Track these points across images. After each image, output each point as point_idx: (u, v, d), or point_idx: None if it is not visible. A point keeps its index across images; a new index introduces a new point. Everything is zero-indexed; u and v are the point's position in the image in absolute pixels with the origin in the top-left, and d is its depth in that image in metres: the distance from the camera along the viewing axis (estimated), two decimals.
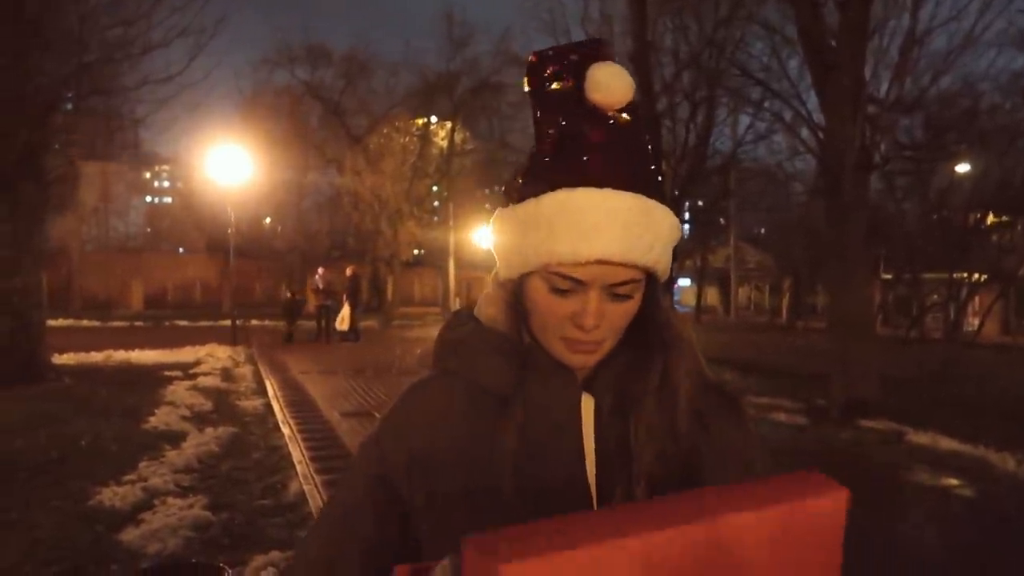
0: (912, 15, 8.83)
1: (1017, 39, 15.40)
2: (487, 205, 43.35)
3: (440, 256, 34.10)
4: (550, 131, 0.86)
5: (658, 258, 0.86)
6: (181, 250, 46.18)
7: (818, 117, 9.65)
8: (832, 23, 9.18)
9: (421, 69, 32.66)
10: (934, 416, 8.58)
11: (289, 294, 19.32)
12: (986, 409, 9.33)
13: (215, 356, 14.38)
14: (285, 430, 7.81)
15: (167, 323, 25.17)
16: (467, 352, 0.94)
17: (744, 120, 17.72)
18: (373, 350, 16.64)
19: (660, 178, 0.92)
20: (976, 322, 19.67)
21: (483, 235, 36.54)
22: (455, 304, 33.42)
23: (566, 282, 0.84)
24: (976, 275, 18.35)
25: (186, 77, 12.33)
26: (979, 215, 18.90)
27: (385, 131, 31.75)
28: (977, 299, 19.85)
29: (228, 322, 18.01)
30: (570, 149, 0.85)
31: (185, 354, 14.54)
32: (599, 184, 0.82)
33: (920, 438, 7.87)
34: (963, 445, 7.52)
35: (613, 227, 0.82)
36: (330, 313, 18.83)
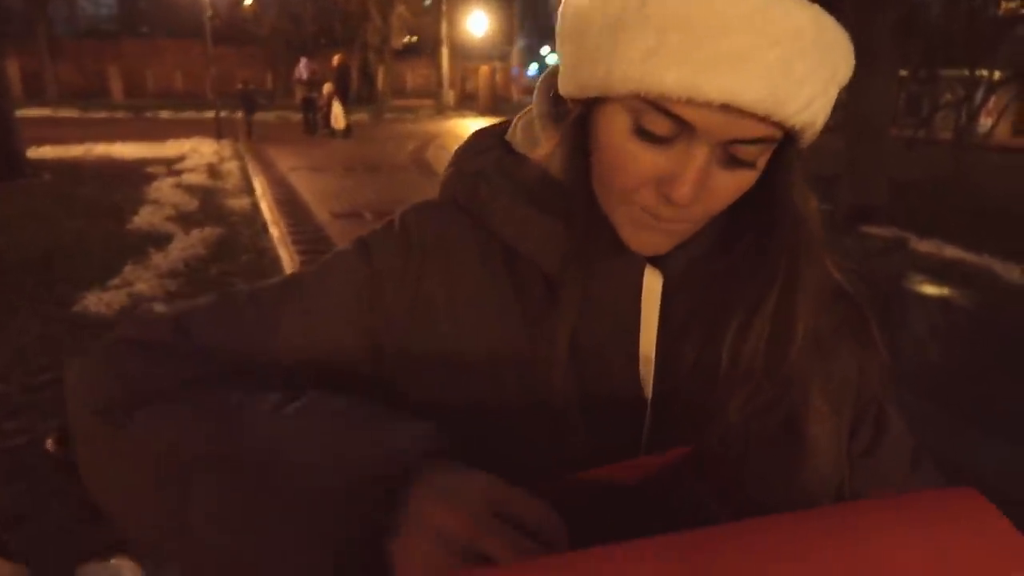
0: None
1: None
2: None
3: (434, 44, 32.25)
4: None
5: (815, 117, 0.56)
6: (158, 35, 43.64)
7: None
8: None
9: None
10: (939, 223, 8.41)
11: (241, 85, 18.14)
12: (991, 216, 9.13)
13: (200, 151, 13.86)
14: (274, 231, 7.59)
15: (148, 114, 24.20)
16: (494, 197, 0.66)
17: None
18: (364, 146, 16.12)
19: None
20: (989, 123, 19.00)
21: (477, 21, 34.54)
22: (449, 97, 32.23)
23: (667, 123, 0.55)
24: (997, 73, 17.46)
25: None
26: (1012, 5, 17.61)
27: None
28: (993, 99, 19.04)
29: (212, 114, 17.24)
30: None
31: (168, 148, 13.99)
32: None
33: (924, 246, 7.74)
34: (967, 253, 7.40)
35: (765, 55, 0.51)
36: (316, 105, 18.05)
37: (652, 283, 0.65)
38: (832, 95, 0.58)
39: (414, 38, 38.35)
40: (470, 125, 23.75)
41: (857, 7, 8.59)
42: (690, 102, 0.52)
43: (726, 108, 0.52)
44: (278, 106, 27.87)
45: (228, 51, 30.88)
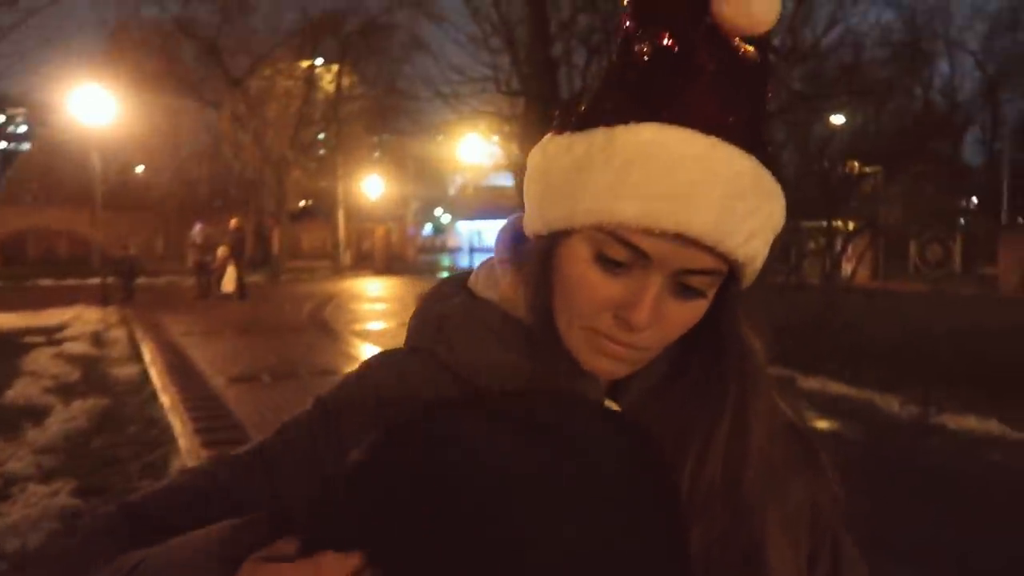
0: None
1: None
2: (377, 153, 42.25)
3: (329, 207, 32.92)
4: (643, 45, 0.62)
5: (756, 252, 0.63)
6: (43, 202, 42.58)
7: None
8: None
9: (305, 6, 30.92)
10: (820, 361, 8.92)
11: (123, 249, 17.78)
12: (866, 352, 9.79)
13: (83, 319, 13.27)
14: (164, 399, 7.22)
15: (28, 283, 23.16)
16: (459, 336, 0.69)
17: None
18: (260, 308, 15.89)
19: (768, 145, 0.65)
20: (850, 268, 20.78)
21: (373, 184, 35.66)
22: (345, 257, 32.55)
23: (624, 252, 0.60)
24: (850, 223, 19.34)
25: (31, 1, 10.89)
26: (854, 165, 19.83)
27: (267, 73, 29.98)
28: (851, 247, 20.96)
29: (98, 280, 16.68)
30: (669, 69, 0.61)
31: (49, 317, 13.34)
32: (706, 130, 0.59)
33: (809, 383, 8.15)
34: (849, 388, 7.85)
35: (712, 192, 0.58)
36: (210, 269, 17.85)
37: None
38: (769, 238, 0.64)
39: (309, 201, 39.08)
40: (367, 284, 23.92)
41: None
42: (647, 232, 0.58)
43: (678, 237, 0.58)
44: (169, 271, 27.31)
45: (118, 216, 30.43)
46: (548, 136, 0.66)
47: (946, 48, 33.19)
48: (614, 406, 0.68)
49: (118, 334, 11.81)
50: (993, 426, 6.20)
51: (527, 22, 15.39)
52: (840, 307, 14.08)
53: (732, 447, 0.66)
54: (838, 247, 19.10)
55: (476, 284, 0.73)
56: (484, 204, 48.30)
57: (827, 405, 7.34)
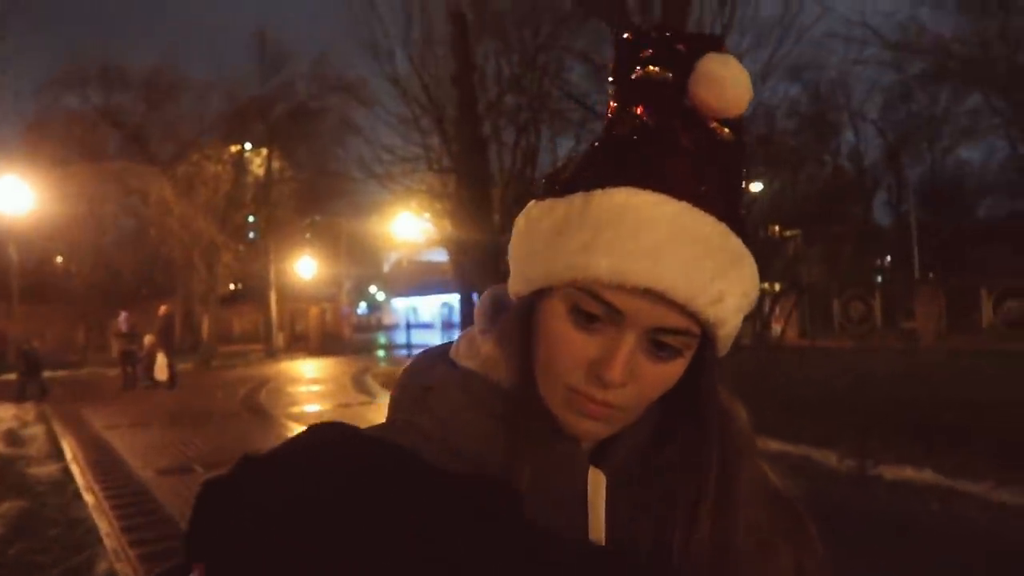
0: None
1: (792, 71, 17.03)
2: (308, 235, 42.01)
3: (260, 289, 32.36)
4: (624, 119, 0.67)
5: (726, 315, 0.65)
6: None
7: None
8: None
9: (232, 92, 31.00)
10: (758, 420, 9.00)
11: (26, 345, 16.88)
12: (801, 409, 10.01)
13: None
14: (88, 497, 6.80)
15: None
16: (441, 406, 0.70)
17: (566, 144, 18.23)
18: (190, 395, 15.30)
19: (745, 224, 0.70)
20: (779, 328, 21.44)
21: (305, 265, 35.32)
22: (279, 339, 31.83)
23: (597, 306, 0.63)
24: (776, 284, 20.07)
25: None
26: (775, 229, 20.71)
27: (195, 158, 29.72)
28: (778, 307, 21.69)
29: (13, 375, 15.83)
30: (647, 143, 0.66)
31: None
32: (678, 195, 0.63)
33: None
34: (788, 445, 7.96)
35: (680, 251, 0.62)
36: (136, 358, 17.20)
37: (596, 481, 0.68)
38: (740, 304, 0.66)
39: (239, 284, 38.34)
40: (303, 366, 23.37)
41: None
42: (619, 287, 0.61)
43: (648, 293, 0.61)
44: (93, 362, 26.18)
45: (36, 308, 29.19)
46: (532, 202, 0.70)
47: (849, 118, 35.40)
48: (600, 475, 0.69)
49: (36, 431, 11.16)
50: (928, 475, 6.37)
51: (456, 103, 15.80)
52: (773, 366, 14.46)
53: (720, 514, 0.67)
54: (766, 308, 19.77)
55: (457, 354, 0.75)
56: (418, 280, 48.33)
57: (768, 462, 7.44)
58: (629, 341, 0.62)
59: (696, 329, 0.64)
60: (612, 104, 0.69)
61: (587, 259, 0.62)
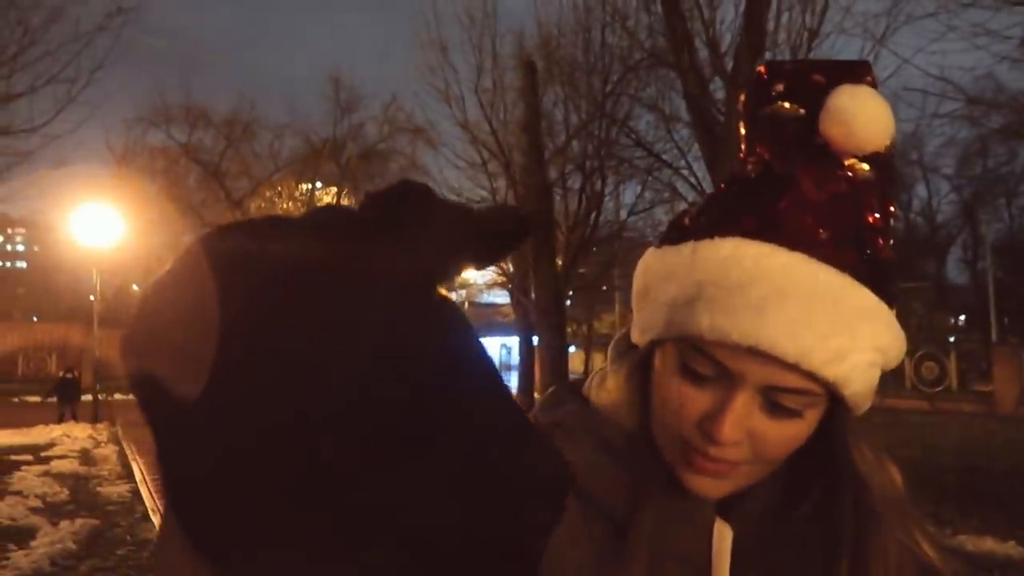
0: None
1: None
2: None
3: None
4: (747, 161, 0.64)
5: (851, 374, 0.60)
6: (35, 319, 42.60)
7: (707, 186, 10.00)
8: (718, 96, 9.60)
9: (306, 133, 32.12)
10: None
11: (64, 372, 17.21)
12: None
13: (73, 436, 13.00)
14: (157, 520, 6.96)
15: (16, 399, 22.79)
16: (567, 442, 0.68)
17: (633, 190, 18.27)
18: None
19: (890, 266, 0.65)
20: None
21: None
22: None
23: (704, 362, 0.60)
24: None
25: (52, 128, 11.35)
26: None
27: (268, 195, 30.80)
28: None
29: (89, 397, 16.44)
30: (765, 188, 0.62)
31: (37, 434, 13.08)
32: (790, 245, 0.60)
33: None
34: None
35: (787, 307, 0.58)
36: None
37: (722, 535, 0.66)
38: (876, 360, 0.62)
39: None
40: None
41: None
42: (721, 344, 0.59)
43: (754, 352, 0.58)
44: None
45: (112, 334, 30.37)
46: (650, 250, 0.69)
47: (922, 173, 34.55)
48: (727, 529, 0.66)
49: (108, 451, 11.53)
50: (1012, 548, 6.03)
51: (523, 148, 16.04)
52: None
53: None
54: None
55: (589, 391, 0.74)
56: (479, 321, 48.58)
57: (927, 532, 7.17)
58: (740, 398, 0.60)
59: (817, 389, 0.60)
60: (742, 147, 0.67)
61: (690, 315, 0.60)
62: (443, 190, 18.53)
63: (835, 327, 0.59)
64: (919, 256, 31.36)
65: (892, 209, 0.65)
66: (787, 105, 0.64)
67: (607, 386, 0.71)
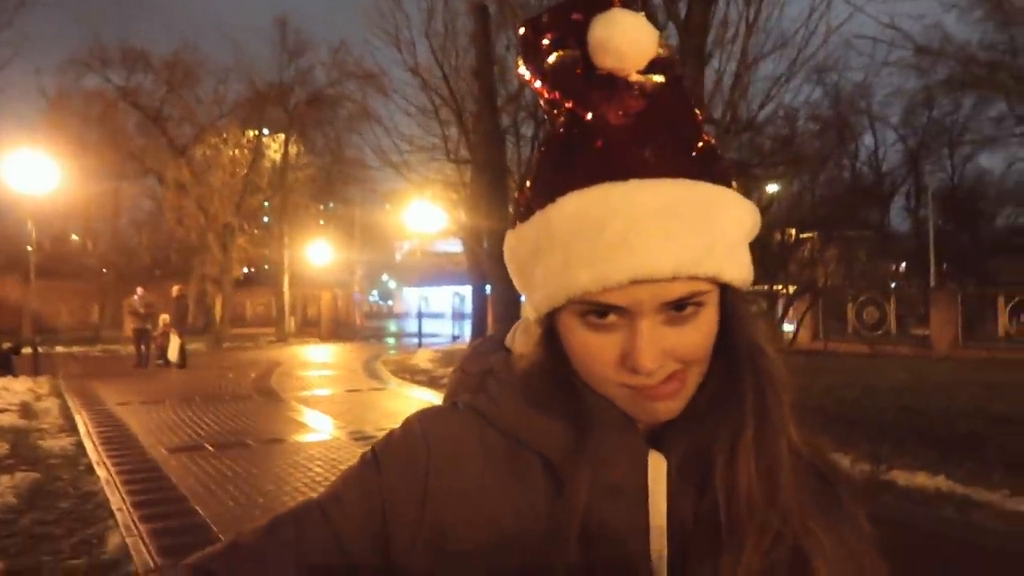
0: (745, 41, 9.36)
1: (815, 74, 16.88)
2: (322, 221, 42.07)
3: (274, 274, 32.48)
4: (559, 120, 0.67)
5: (723, 262, 0.64)
6: None
7: None
8: (672, 44, 9.52)
9: (252, 78, 31.05)
10: None
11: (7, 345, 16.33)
12: (814, 412, 9.92)
13: (11, 389, 12.61)
14: (101, 472, 6.85)
15: None
16: (501, 393, 0.71)
17: None
18: (202, 375, 15.39)
19: (715, 153, 0.67)
20: (792, 330, 21.32)
21: (318, 250, 35.40)
22: (290, 324, 31.95)
23: (602, 312, 0.63)
24: (790, 287, 19.97)
25: None
26: (792, 231, 20.58)
27: (212, 142, 29.81)
28: (791, 309, 21.57)
29: (28, 350, 15.97)
30: (580, 138, 0.65)
31: None
32: (622, 175, 0.62)
33: None
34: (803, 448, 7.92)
35: (647, 232, 0.61)
36: (149, 336, 17.30)
37: (656, 463, 0.68)
38: (735, 240, 0.66)
39: (253, 268, 38.50)
40: (313, 351, 23.45)
41: None
42: (605, 290, 0.61)
43: (636, 283, 0.61)
44: (107, 340, 26.40)
45: (51, 284, 29.40)
46: (508, 232, 0.71)
47: (869, 123, 35.10)
48: (660, 458, 0.67)
49: (49, 404, 11.25)
50: (942, 482, 6.31)
51: (476, 95, 15.76)
52: (785, 368, 14.40)
53: (761, 451, 0.65)
54: (780, 310, 19.65)
55: (513, 343, 0.76)
56: (431, 270, 48.34)
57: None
58: (644, 328, 0.62)
59: (703, 286, 0.63)
60: (541, 104, 0.69)
61: (568, 277, 0.62)
62: (394, 137, 18.20)
63: (693, 228, 0.62)
64: (864, 204, 32.04)
65: (693, 102, 0.67)
66: (562, 52, 0.65)
67: (528, 351, 0.71)
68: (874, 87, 32.97)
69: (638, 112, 0.63)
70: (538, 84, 0.67)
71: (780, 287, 19.56)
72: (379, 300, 65.17)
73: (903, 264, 34.79)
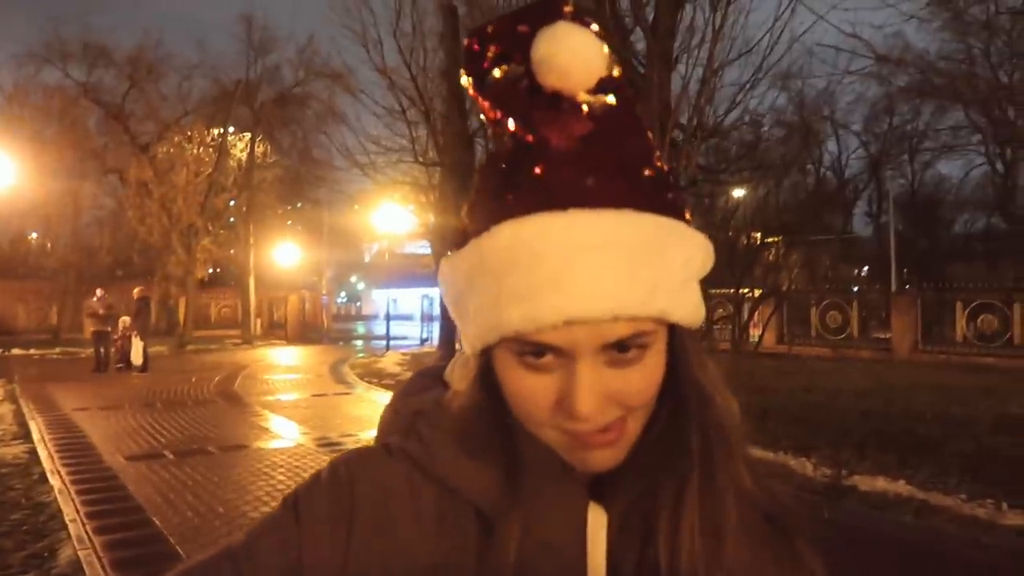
0: (712, 47, 9.44)
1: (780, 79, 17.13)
2: (289, 221, 41.63)
3: (239, 275, 32.03)
4: (496, 139, 0.62)
5: (668, 302, 0.59)
6: None
7: None
8: (639, 47, 9.56)
9: (217, 75, 30.65)
10: None
11: None
12: (777, 416, 10.07)
13: None
14: (54, 481, 6.66)
15: None
16: (432, 435, 0.66)
17: None
18: (164, 380, 15.09)
19: (666, 181, 0.62)
20: (757, 334, 21.57)
21: (285, 252, 35.03)
22: (256, 327, 31.53)
23: (537, 352, 0.58)
24: (755, 290, 20.22)
25: None
26: (757, 235, 20.84)
27: (176, 140, 29.33)
28: (756, 313, 21.83)
29: None
30: (520, 162, 0.59)
31: None
32: (561, 205, 0.57)
33: None
34: (764, 452, 7.98)
35: (584, 268, 0.56)
36: (109, 339, 16.94)
37: (596, 520, 0.64)
38: (685, 277, 0.61)
39: (218, 269, 37.93)
40: (279, 354, 23.09)
41: None
42: (540, 331, 0.56)
43: (571, 324, 0.56)
44: (65, 342, 25.81)
45: (7, 285, 28.70)
46: (443, 260, 0.66)
47: (833, 129, 35.72)
48: (601, 513, 0.64)
49: (3, 410, 10.95)
50: (902, 487, 6.41)
51: (444, 96, 15.69)
52: (750, 371, 14.54)
53: (707, 505, 0.61)
54: (745, 314, 19.88)
55: (452, 377, 0.71)
56: (400, 272, 48.13)
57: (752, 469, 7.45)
58: (583, 370, 0.57)
59: (647, 327, 0.58)
60: (487, 121, 0.64)
61: (500, 314, 0.58)
62: (361, 138, 18.06)
63: (634, 266, 0.57)
64: (828, 209, 32.59)
65: (645, 126, 0.63)
66: (506, 67, 0.61)
67: (463, 386, 0.67)
68: (837, 94, 33.45)
69: (583, 136, 0.59)
70: (481, 100, 0.63)
71: (746, 290, 19.80)
72: (347, 301, 64.69)
73: (865, 268, 35.45)
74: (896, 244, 28.73)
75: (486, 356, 0.63)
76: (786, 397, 12.00)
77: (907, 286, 28.44)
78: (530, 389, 0.59)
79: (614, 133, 0.60)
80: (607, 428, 0.59)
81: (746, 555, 0.63)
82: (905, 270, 32.43)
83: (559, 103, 0.59)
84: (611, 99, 0.60)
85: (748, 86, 10.17)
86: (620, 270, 0.56)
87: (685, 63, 9.61)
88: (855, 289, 27.27)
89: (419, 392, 0.71)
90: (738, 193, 19.91)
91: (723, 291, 21.14)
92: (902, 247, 30.27)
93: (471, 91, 0.63)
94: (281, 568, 0.62)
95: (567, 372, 0.58)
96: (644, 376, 0.59)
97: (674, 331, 0.61)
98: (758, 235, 20.75)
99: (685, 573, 0.60)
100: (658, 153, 0.63)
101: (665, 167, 0.63)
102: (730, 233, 20.82)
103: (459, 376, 0.69)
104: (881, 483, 6.57)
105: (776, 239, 21.74)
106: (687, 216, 0.63)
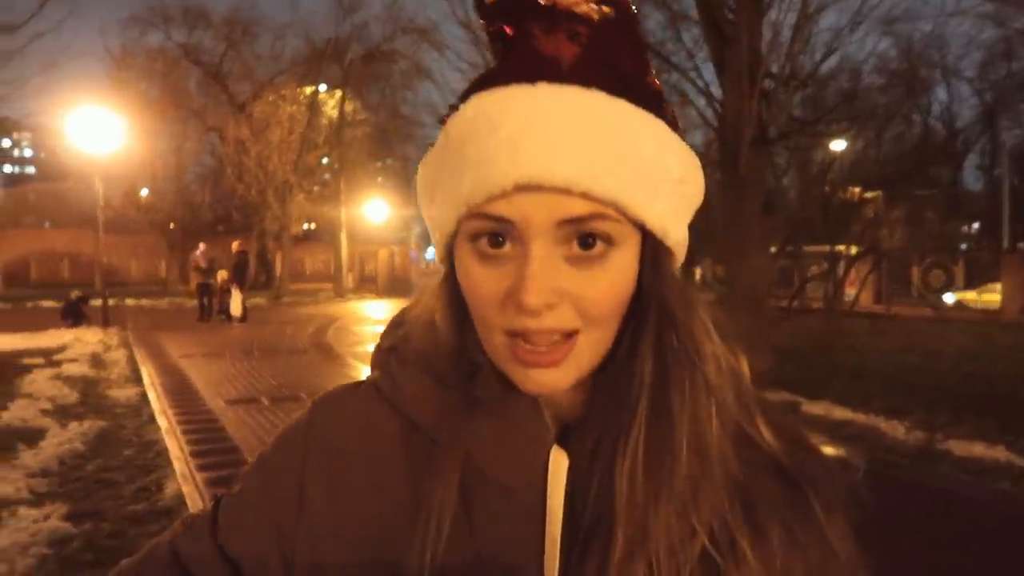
0: None
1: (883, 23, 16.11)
2: (379, 178, 42.40)
3: (332, 230, 33.00)
4: (492, 35, 0.60)
5: (630, 189, 0.54)
6: (47, 224, 42.83)
7: (716, 90, 9.68)
8: None
9: (308, 34, 31.22)
10: (825, 386, 8.84)
11: (76, 294, 16.74)
12: (870, 377, 9.72)
13: (83, 340, 13.23)
14: (162, 422, 7.15)
15: (30, 304, 23.15)
16: (399, 367, 0.65)
17: None
18: (261, 330, 15.84)
19: (657, 93, 0.59)
20: (852, 292, 20.75)
21: (375, 208, 35.79)
22: (348, 280, 32.54)
23: (484, 225, 0.55)
24: (852, 247, 19.37)
25: (35, 25, 10.98)
26: (856, 190, 19.90)
27: (271, 99, 30.19)
28: (853, 271, 20.96)
29: (99, 302, 16.66)
30: (503, 42, 0.59)
31: (49, 338, 13.31)
32: (530, 79, 0.55)
33: (814, 408, 8.06)
34: (855, 414, 7.75)
35: (540, 134, 0.53)
36: (212, 291, 17.85)
37: (558, 463, 0.59)
38: (656, 178, 0.57)
39: (312, 224, 39.17)
40: (370, 307, 23.69)
41: (726, 193, 9.47)
42: (488, 199, 0.53)
43: (523, 190, 0.52)
44: (173, 292, 27.36)
45: (120, 239, 30.51)
46: (419, 165, 0.65)
47: (943, 76, 33.41)
48: (563, 457, 0.59)
49: (117, 355, 11.76)
50: (1000, 453, 6.11)
51: None
52: (844, 331, 14.03)
53: (652, 441, 0.55)
54: (841, 271, 19.11)
55: (410, 312, 0.70)
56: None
57: (832, 430, 7.26)
58: (536, 253, 0.53)
59: (609, 211, 0.54)
60: (487, 30, 0.61)
61: (459, 186, 0.55)
62: (446, 93, 18.13)
63: (594, 141, 0.54)
64: (935, 162, 30.71)
65: (643, 44, 0.60)
66: None
67: (428, 310, 0.65)
68: (948, 37, 31.20)
69: (566, 31, 0.57)
70: (481, 16, 0.61)
71: (842, 248, 19.00)
72: (435, 257, 65.85)
73: (975, 225, 33.36)
74: (1011, 199, 26.87)
75: (447, 253, 0.61)
76: (880, 358, 11.55)
77: (1020, 244, 26.67)
78: (481, 280, 0.55)
79: (604, 39, 0.57)
80: (552, 347, 0.54)
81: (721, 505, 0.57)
82: (1019, 228, 30.36)
83: (552, 9, 0.57)
84: (608, 9, 0.58)
85: (846, 31, 9.61)
86: (577, 140, 0.53)
87: (777, 8, 9.14)
88: (963, 247, 25.78)
89: (395, 328, 0.70)
90: (836, 146, 19.00)
91: (818, 248, 20.39)
92: (1017, 202, 28.29)
93: (481, 13, 0.61)
94: (260, 509, 0.66)
95: (518, 260, 0.54)
96: (607, 280, 0.55)
97: (648, 240, 0.57)
98: (857, 190, 19.81)
99: (617, 516, 0.55)
100: (650, 72, 0.60)
101: (658, 84, 0.60)
102: (826, 188, 19.97)
103: (415, 311, 0.68)
104: (978, 448, 6.28)
105: (876, 194, 20.70)
106: (678, 128, 0.60)
